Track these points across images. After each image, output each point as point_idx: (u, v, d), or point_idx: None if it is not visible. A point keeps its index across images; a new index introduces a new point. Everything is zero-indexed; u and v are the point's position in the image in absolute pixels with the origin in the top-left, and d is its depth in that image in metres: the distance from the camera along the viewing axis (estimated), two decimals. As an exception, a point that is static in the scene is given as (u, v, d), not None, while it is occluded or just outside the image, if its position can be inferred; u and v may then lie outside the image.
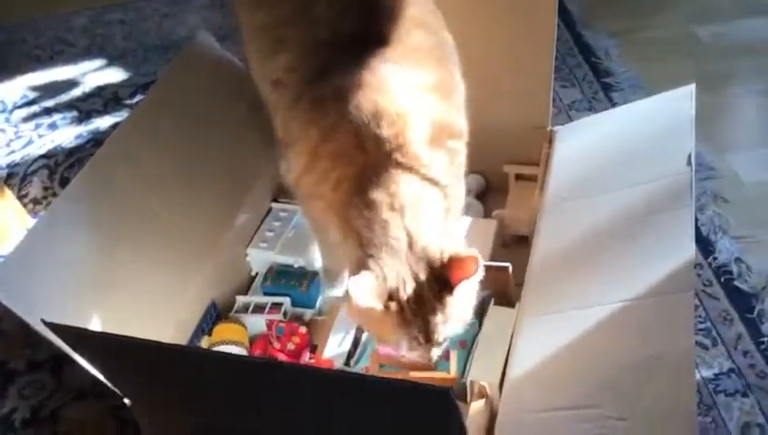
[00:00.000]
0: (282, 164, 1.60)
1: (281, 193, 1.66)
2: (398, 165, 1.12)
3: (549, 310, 1.20)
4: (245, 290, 1.57)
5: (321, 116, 1.16)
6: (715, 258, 1.56)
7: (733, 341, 1.42)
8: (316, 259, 1.53)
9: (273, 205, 1.65)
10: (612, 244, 1.24)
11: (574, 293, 1.20)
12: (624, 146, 1.43)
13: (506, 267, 1.34)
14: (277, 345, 1.40)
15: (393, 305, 1.06)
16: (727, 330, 1.43)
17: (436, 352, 1.13)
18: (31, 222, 1.78)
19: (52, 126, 2.16)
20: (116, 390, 1.14)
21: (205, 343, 1.41)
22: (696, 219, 1.61)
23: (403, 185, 1.11)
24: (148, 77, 2.29)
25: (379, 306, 1.05)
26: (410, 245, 1.08)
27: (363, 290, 1.02)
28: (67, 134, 2.12)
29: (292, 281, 1.51)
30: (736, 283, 1.51)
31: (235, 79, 1.68)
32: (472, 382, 1.21)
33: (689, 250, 1.13)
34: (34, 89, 2.33)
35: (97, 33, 2.58)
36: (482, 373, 1.22)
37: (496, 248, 1.51)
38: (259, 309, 1.47)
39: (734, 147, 1.83)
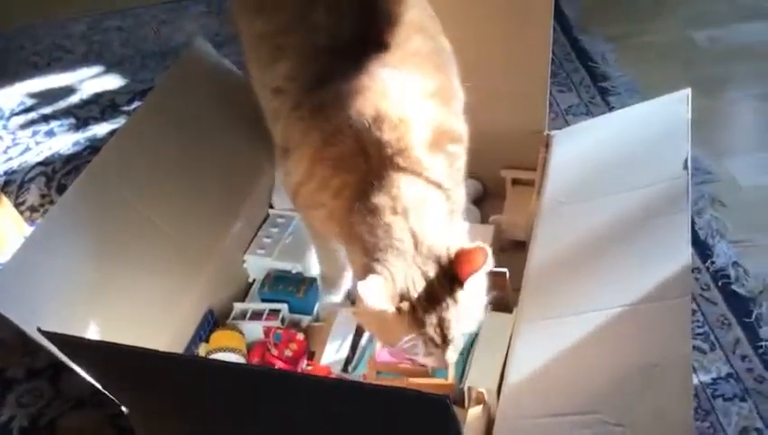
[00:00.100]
0: (279, 173, 1.61)
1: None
2: (400, 169, 1.12)
3: (546, 315, 1.20)
4: (243, 297, 1.57)
5: (322, 122, 1.16)
6: (712, 262, 1.56)
7: (731, 345, 1.41)
8: (313, 265, 1.53)
9: (271, 211, 1.65)
10: (609, 248, 1.24)
11: (571, 298, 1.20)
12: (621, 150, 1.43)
13: (503, 273, 1.34)
14: (275, 352, 1.40)
15: (405, 306, 1.05)
16: (725, 334, 1.43)
17: (452, 354, 1.11)
18: (28, 230, 1.78)
19: (50, 133, 2.16)
20: (113, 398, 1.14)
21: (202, 350, 1.41)
22: (694, 223, 1.61)
23: (405, 188, 1.11)
24: (145, 84, 2.30)
25: (392, 308, 1.04)
26: (416, 245, 1.08)
27: (374, 293, 1.02)
28: (64, 141, 2.12)
29: (289, 287, 1.51)
30: (734, 287, 1.51)
31: (233, 86, 1.68)
32: (470, 388, 1.21)
33: (686, 255, 1.12)
34: (32, 96, 2.33)
35: (95, 39, 2.58)
36: (480, 379, 1.22)
37: (494, 254, 1.50)
38: (256, 316, 1.47)
39: (732, 151, 1.83)
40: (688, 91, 1.38)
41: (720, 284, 1.52)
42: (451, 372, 1.28)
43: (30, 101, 2.31)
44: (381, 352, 1.33)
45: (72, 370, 1.09)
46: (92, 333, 1.20)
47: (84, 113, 2.23)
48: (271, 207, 1.67)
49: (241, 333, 1.45)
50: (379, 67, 1.17)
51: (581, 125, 1.61)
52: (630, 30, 2.27)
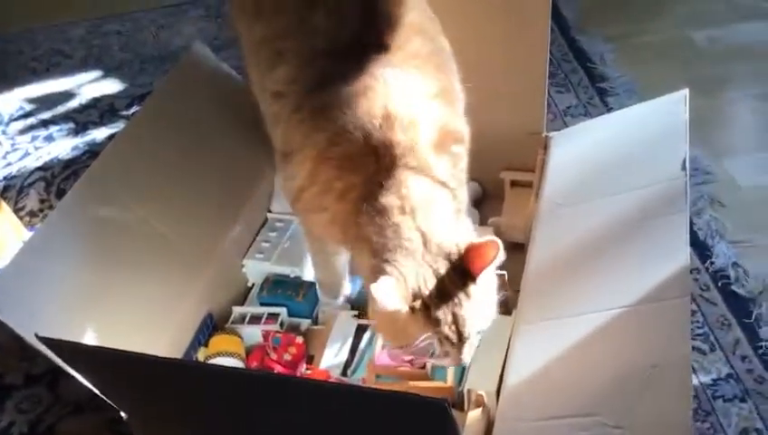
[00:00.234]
0: (279, 178, 1.60)
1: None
2: (409, 168, 1.12)
3: (546, 317, 1.20)
4: (242, 301, 1.57)
5: (325, 123, 1.16)
6: (712, 263, 1.56)
7: (731, 346, 1.41)
8: (310, 270, 1.53)
9: (269, 215, 1.65)
10: (608, 250, 1.24)
11: (571, 299, 1.19)
12: (619, 151, 1.43)
13: (502, 275, 1.33)
14: (274, 356, 1.40)
15: (419, 305, 1.05)
16: (725, 335, 1.43)
17: (467, 353, 1.10)
18: (27, 235, 1.77)
19: (49, 138, 2.16)
20: (112, 403, 1.14)
21: (201, 354, 1.41)
22: (693, 224, 1.61)
23: (413, 187, 1.11)
24: (144, 88, 2.29)
25: (405, 308, 1.04)
26: (425, 243, 1.07)
27: (387, 294, 1.01)
28: (63, 146, 2.12)
29: (288, 291, 1.51)
30: (734, 287, 1.51)
31: (232, 90, 1.68)
32: (469, 391, 1.21)
33: (685, 255, 1.12)
34: (31, 101, 2.33)
35: (94, 44, 2.58)
36: (479, 382, 1.22)
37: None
38: (255, 320, 1.47)
39: (731, 151, 1.83)
40: (686, 91, 1.38)
41: (720, 284, 1.52)
42: (450, 375, 1.28)
43: (29, 106, 2.31)
44: (381, 356, 1.33)
45: (70, 375, 1.09)
46: (91, 338, 1.20)
47: (83, 118, 2.23)
48: (269, 211, 1.67)
49: (240, 337, 1.44)
50: (382, 69, 1.17)
51: (579, 126, 1.61)
52: (629, 30, 2.26)
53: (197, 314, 1.44)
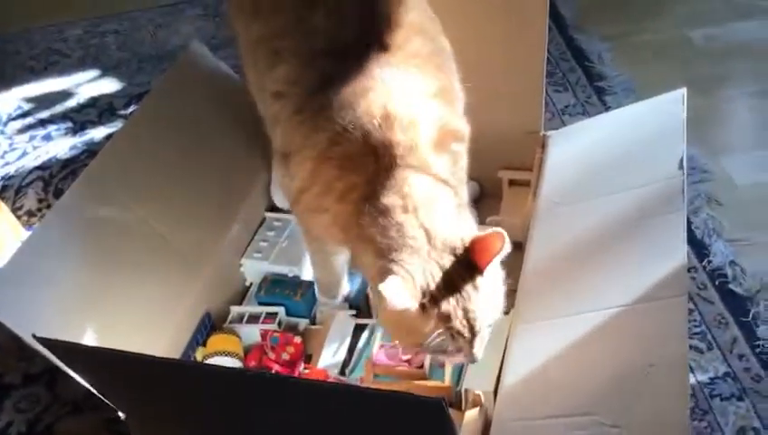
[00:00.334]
0: (277, 177, 1.60)
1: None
2: (409, 167, 1.12)
3: (543, 316, 1.20)
4: (240, 300, 1.57)
5: (326, 124, 1.16)
6: (709, 261, 1.56)
7: (728, 344, 1.41)
8: (308, 270, 1.53)
9: (267, 214, 1.65)
10: (605, 249, 1.24)
11: (568, 299, 1.20)
12: (616, 150, 1.43)
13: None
14: (272, 356, 1.40)
15: (429, 302, 1.05)
16: (722, 333, 1.43)
17: (479, 347, 1.09)
18: (25, 235, 1.77)
19: (47, 137, 2.16)
20: (110, 404, 1.14)
21: (199, 354, 1.41)
22: (691, 222, 1.61)
23: (415, 186, 1.11)
24: (142, 87, 2.29)
25: (415, 306, 1.04)
26: (429, 240, 1.07)
27: (396, 293, 1.00)
28: (62, 145, 2.12)
29: (286, 291, 1.51)
30: (731, 286, 1.51)
31: (230, 89, 1.68)
32: (466, 391, 1.21)
33: (682, 254, 1.13)
34: (29, 100, 2.33)
35: (91, 43, 2.58)
36: (476, 381, 1.22)
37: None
38: (253, 319, 1.47)
39: (728, 149, 1.83)
40: (684, 90, 1.38)
41: (717, 283, 1.52)
42: (448, 375, 1.28)
43: (27, 106, 2.31)
44: (379, 355, 1.33)
45: (68, 375, 1.09)
46: (89, 337, 1.20)
47: (81, 117, 2.22)
48: (269, 210, 1.67)
49: (238, 336, 1.45)
50: (383, 69, 1.18)
51: (577, 125, 1.61)
52: (626, 29, 2.26)
53: (195, 313, 1.44)
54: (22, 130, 2.21)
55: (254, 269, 1.58)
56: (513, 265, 1.31)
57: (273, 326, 1.45)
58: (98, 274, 1.29)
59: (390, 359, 1.31)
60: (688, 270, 1.49)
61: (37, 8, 2.76)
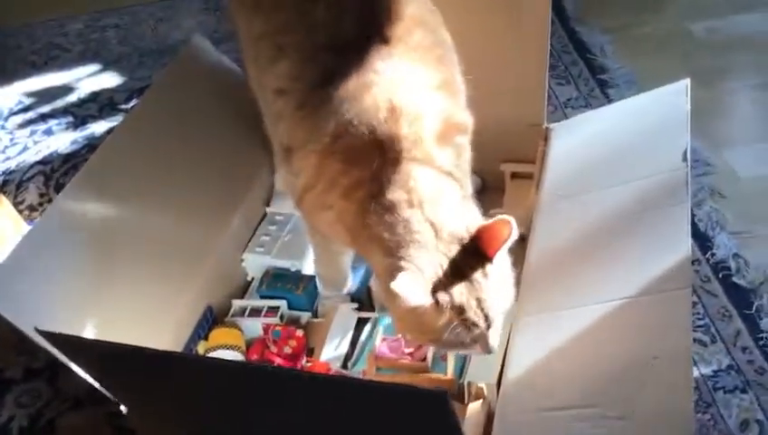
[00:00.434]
0: (280, 177, 1.60)
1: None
2: (414, 161, 1.12)
3: (546, 309, 1.19)
4: (241, 294, 1.56)
5: (330, 118, 1.15)
6: (712, 254, 1.55)
7: (731, 337, 1.41)
8: (310, 264, 1.53)
9: (269, 209, 1.65)
10: (609, 241, 1.24)
11: (571, 291, 1.19)
12: (619, 142, 1.42)
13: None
14: (274, 349, 1.40)
15: (442, 296, 1.04)
16: (726, 326, 1.43)
17: (494, 337, 1.09)
18: (26, 229, 1.77)
19: (48, 132, 2.16)
20: (112, 397, 1.13)
21: (201, 347, 1.41)
22: (694, 215, 1.61)
23: (420, 179, 1.11)
24: (143, 81, 2.29)
25: (429, 301, 1.03)
26: (436, 234, 1.07)
27: (409, 289, 1.00)
28: (63, 140, 2.12)
29: (288, 285, 1.51)
30: (734, 279, 1.51)
31: (231, 83, 1.68)
32: (469, 384, 1.21)
33: (686, 246, 1.12)
34: (30, 95, 2.33)
35: (92, 38, 2.57)
36: (479, 374, 1.22)
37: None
38: (255, 313, 1.47)
39: (731, 142, 1.83)
40: (687, 81, 1.37)
41: (720, 275, 1.52)
42: (450, 368, 1.28)
43: (28, 101, 2.30)
44: (381, 348, 1.32)
45: (69, 369, 1.09)
46: (91, 331, 1.20)
47: (82, 112, 2.22)
48: (269, 204, 1.67)
49: (240, 330, 1.44)
50: (385, 62, 1.17)
51: (580, 117, 1.60)
52: (628, 22, 2.26)
53: (197, 307, 1.44)
54: (23, 125, 2.21)
55: (255, 264, 1.57)
56: (516, 258, 1.30)
57: (275, 320, 1.45)
58: (99, 268, 1.28)
59: (393, 352, 1.31)
60: (692, 263, 1.48)
61: (38, 3, 2.76)
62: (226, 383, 0.98)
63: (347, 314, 1.45)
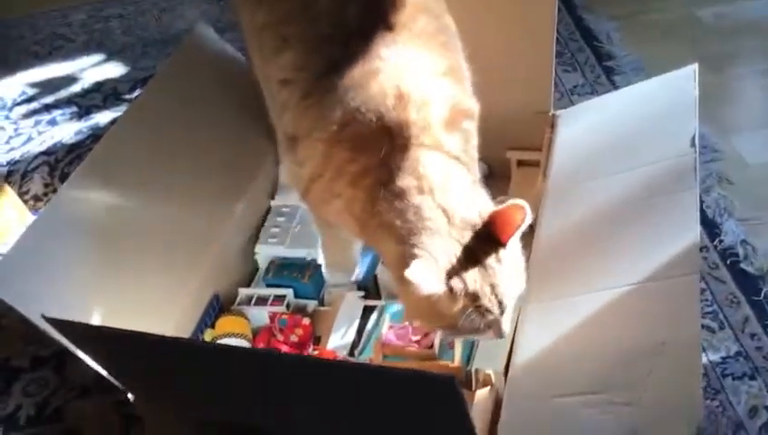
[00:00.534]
0: (284, 169, 1.59)
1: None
2: (422, 147, 1.11)
3: (553, 296, 1.19)
4: (248, 283, 1.56)
5: (337, 106, 1.15)
6: (720, 241, 1.55)
7: (740, 324, 1.40)
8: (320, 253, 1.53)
9: (273, 202, 1.63)
10: (617, 227, 1.23)
11: (579, 278, 1.19)
12: (627, 128, 1.41)
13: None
14: (280, 337, 1.40)
15: (455, 283, 1.03)
16: (734, 313, 1.42)
17: (507, 322, 1.09)
18: (31, 219, 1.77)
19: (52, 122, 2.16)
20: (119, 385, 1.13)
21: (208, 336, 1.41)
22: (702, 202, 1.60)
23: (429, 165, 1.10)
24: (147, 71, 2.28)
25: (442, 289, 1.02)
26: (449, 220, 1.06)
27: (423, 277, 0.99)
28: (67, 130, 2.12)
29: (294, 273, 1.50)
30: (743, 265, 1.50)
31: (236, 71, 1.67)
32: (477, 371, 1.20)
33: (694, 232, 1.11)
34: (33, 85, 2.32)
35: (95, 28, 2.57)
36: (486, 361, 1.22)
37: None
38: (262, 301, 1.46)
39: (739, 128, 1.82)
40: (695, 66, 1.36)
41: (728, 262, 1.51)
42: (458, 355, 1.27)
43: (31, 91, 2.30)
44: (388, 336, 1.32)
45: (77, 358, 1.09)
46: (96, 320, 1.20)
47: (86, 102, 2.22)
48: (272, 198, 1.66)
49: (246, 318, 1.44)
50: (388, 48, 1.16)
51: (587, 104, 1.59)
52: (634, 8, 2.24)
53: (203, 295, 1.43)
54: (27, 116, 2.20)
55: (269, 255, 1.56)
56: (524, 246, 1.30)
57: (282, 308, 1.45)
58: (104, 257, 1.28)
59: (400, 339, 1.30)
60: (700, 250, 1.47)
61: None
62: (234, 370, 0.98)
63: (353, 303, 1.45)
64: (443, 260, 1.04)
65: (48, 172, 1.98)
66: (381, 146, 1.12)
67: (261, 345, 1.40)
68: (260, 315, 1.45)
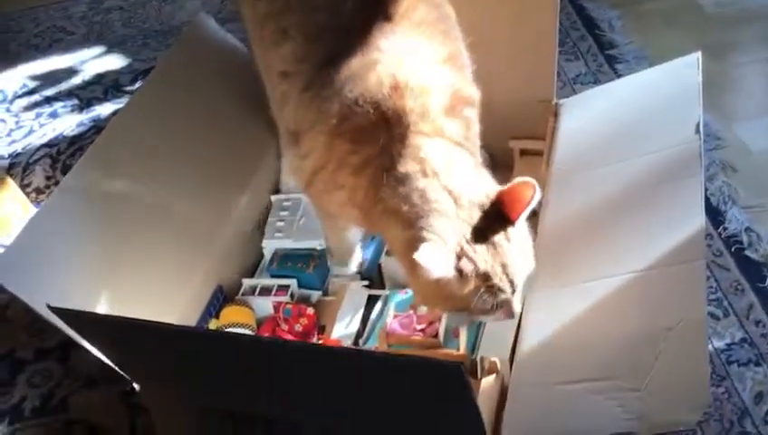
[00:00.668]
0: (287, 161, 1.59)
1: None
2: (423, 134, 1.11)
3: (559, 283, 1.19)
4: (252, 273, 1.56)
5: (336, 98, 1.15)
6: (725, 228, 1.54)
7: (744, 310, 1.40)
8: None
9: (274, 197, 1.63)
10: (621, 215, 1.23)
11: (583, 265, 1.18)
12: (631, 116, 1.41)
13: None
14: (285, 327, 1.40)
15: (466, 264, 1.03)
16: (739, 300, 1.42)
17: (518, 302, 1.09)
18: (34, 212, 1.77)
19: (53, 115, 2.15)
20: (124, 374, 1.13)
21: (212, 326, 1.41)
22: (706, 189, 1.60)
23: (430, 151, 1.10)
24: (148, 63, 2.28)
25: (452, 271, 1.02)
26: (456, 201, 1.06)
27: (433, 260, 0.98)
28: (68, 122, 2.11)
29: (298, 263, 1.50)
30: (747, 252, 1.50)
31: (237, 61, 1.67)
32: (482, 358, 1.20)
33: (699, 219, 1.11)
34: (34, 78, 2.32)
35: (95, 20, 2.56)
36: (492, 349, 1.21)
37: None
38: (266, 291, 1.46)
39: (742, 116, 1.81)
40: (698, 54, 1.35)
41: (733, 249, 1.51)
42: (463, 343, 1.27)
43: (32, 84, 2.30)
44: (393, 325, 1.32)
45: (81, 348, 1.09)
46: (101, 310, 1.20)
47: (87, 94, 2.21)
48: (276, 191, 1.66)
49: (251, 308, 1.44)
50: (387, 39, 1.16)
51: (590, 92, 1.58)
52: (637, -3, 2.24)
53: (208, 286, 1.44)
54: (28, 108, 2.20)
55: (277, 248, 1.56)
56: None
57: (286, 298, 1.45)
58: (107, 249, 1.28)
59: (404, 328, 1.30)
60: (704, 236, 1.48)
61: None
62: (240, 358, 0.98)
63: (357, 292, 1.45)
64: (452, 242, 1.03)
65: (50, 165, 1.98)
66: (381, 135, 1.12)
67: (265, 335, 1.40)
68: (264, 305, 1.45)
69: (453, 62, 1.22)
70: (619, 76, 1.93)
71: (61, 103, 2.19)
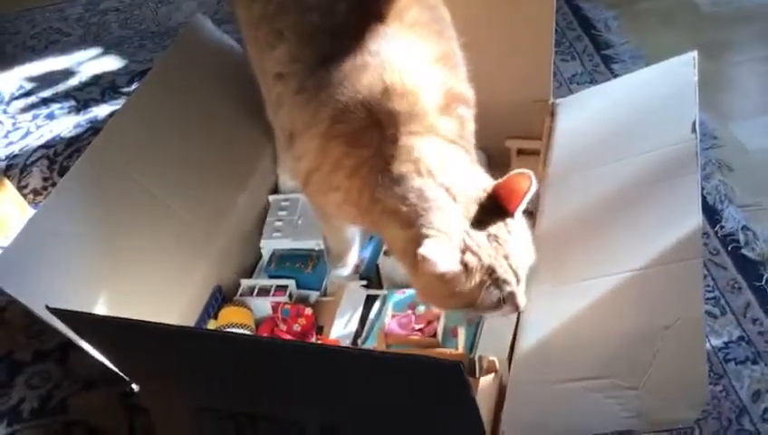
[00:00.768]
0: (283, 163, 1.59)
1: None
2: (414, 134, 1.12)
3: (556, 282, 1.19)
4: (250, 274, 1.56)
5: (330, 101, 1.15)
6: (721, 227, 1.55)
7: (741, 309, 1.41)
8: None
9: (271, 198, 1.63)
10: (618, 214, 1.23)
11: (581, 265, 1.19)
12: (627, 116, 1.41)
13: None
14: (283, 327, 1.40)
15: (469, 257, 1.04)
16: (736, 298, 1.43)
17: (522, 294, 1.09)
18: (32, 213, 1.77)
19: (50, 116, 2.15)
20: (123, 375, 1.13)
21: (211, 326, 1.41)
22: (702, 188, 1.59)
23: (424, 150, 1.10)
24: (144, 64, 2.28)
25: (458, 267, 1.03)
26: (453, 198, 1.07)
27: (439, 255, 0.99)
28: (65, 124, 2.11)
29: (297, 264, 1.50)
30: (743, 251, 1.50)
31: (234, 62, 1.67)
32: (480, 357, 1.21)
33: (696, 217, 1.11)
34: (31, 79, 2.32)
35: (92, 21, 2.56)
36: (490, 348, 1.22)
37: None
38: (264, 292, 1.46)
39: (738, 115, 1.82)
40: (695, 53, 1.36)
41: (729, 248, 1.51)
42: (461, 342, 1.27)
43: (29, 85, 2.30)
44: (391, 325, 1.32)
45: (80, 350, 1.09)
46: (99, 311, 1.20)
47: (84, 95, 2.21)
48: (274, 191, 1.66)
49: (249, 309, 1.44)
50: (378, 41, 1.17)
51: (587, 92, 1.59)
52: (632, -4, 2.25)
53: (206, 286, 1.44)
54: (25, 110, 2.20)
55: (275, 249, 1.56)
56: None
57: (284, 299, 1.45)
58: (104, 250, 1.28)
59: (403, 328, 1.30)
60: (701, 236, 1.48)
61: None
62: (239, 358, 0.98)
63: (356, 292, 1.45)
64: (454, 237, 1.04)
65: (47, 166, 1.98)
66: (374, 137, 1.12)
67: (264, 335, 1.40)
68: (263, 306, 1.45)
69: (446, 61, 1.22)
70: (616, 76, 1.94)
71: (58, 105, 2.19)
